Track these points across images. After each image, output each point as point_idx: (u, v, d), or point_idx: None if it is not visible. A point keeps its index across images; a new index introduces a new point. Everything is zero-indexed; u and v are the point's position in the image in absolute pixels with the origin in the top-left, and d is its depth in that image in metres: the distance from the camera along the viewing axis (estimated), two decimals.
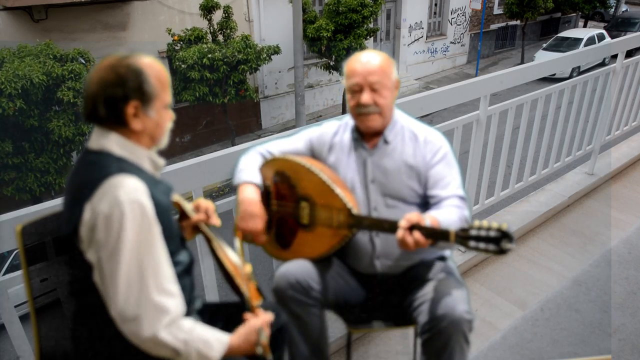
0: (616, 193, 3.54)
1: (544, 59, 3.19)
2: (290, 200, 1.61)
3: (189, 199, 1.54)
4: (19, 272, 1.36)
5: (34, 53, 7.60)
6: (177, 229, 1.31)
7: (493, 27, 18.21)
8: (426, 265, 1.65)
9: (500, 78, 2.59)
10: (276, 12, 11.95)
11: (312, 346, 1.62)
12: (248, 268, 1.40)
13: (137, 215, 1.07)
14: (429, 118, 6.31)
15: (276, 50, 10.28)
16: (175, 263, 1.21)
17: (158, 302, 1.08)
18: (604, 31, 16.91)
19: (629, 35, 3.74)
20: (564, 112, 3.20)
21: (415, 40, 15.85)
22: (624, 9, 22.44)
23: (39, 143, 7.58)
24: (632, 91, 3.75)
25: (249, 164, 1.65)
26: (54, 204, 1.45)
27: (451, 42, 17.13)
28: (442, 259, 1.70)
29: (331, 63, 11.67)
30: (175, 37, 9.86)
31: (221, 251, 1.39)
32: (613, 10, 21.47)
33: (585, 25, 20.26)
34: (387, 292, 1.70)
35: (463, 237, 1.28)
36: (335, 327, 2.12)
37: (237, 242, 1.50)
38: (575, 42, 15.61)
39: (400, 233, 1.35)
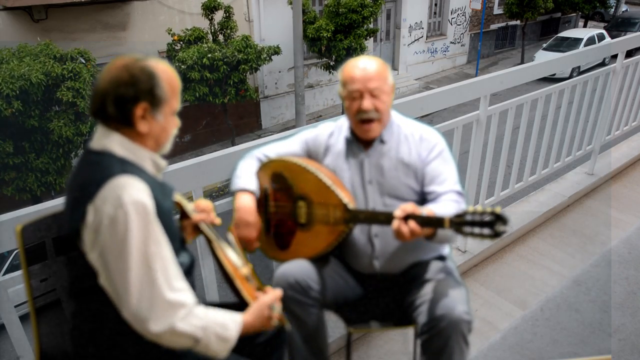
0: (616, 193, 3.54)
1: (544, 59, 3.19)
2: (287, 201, 1.62)
3: (189, 199, 1.54)
4: (19, 272, 1.36)
5: (33, 53, 7.60)
6: (178, 231, 1.31)
7: (493, 27, 18.21)
8: (425, 265, 1.65)
9: (500, 78, 2.59)
10: (276, 12, 11.95)
11: (312, 346, 1.62)
12: (248, 269, 1.40)
13: (142, 216, 1.07)
14: (429, 118, 6.31)
15: (276, 51, 10.29)
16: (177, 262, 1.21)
17: (171, 298, 1.09)
18: (604, 31, 16.92)
19: (629, 35, 3.74)
20: (564, 112, 3.20)
21: (415, 40, 15.85)
22: (624, 9, 22.44)
23: (39, 143, 7.58)
24: (632, 91, 3.75)
25: (245, 170, 1.66)
26: (54, 204, 1.44)
27: (451, 42, 17.13)
28: (442, 258, 1.70)
29: (331, 63, 11.67)
30: (175, 37, 9.86)
31: (221, 252, 1.39)
32: (613, 10, 21.48)
33: (585, 25, 20.26)
34: (386, 292, 1.70)
35: (458, 222, 1.29)
36: (335, 327, 2.12)
37: (231, 236, 1.52)
38: (575, 42, 15.61)
39: (395, 223, 1.35)
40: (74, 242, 1.13)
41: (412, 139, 1.63)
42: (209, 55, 9.19)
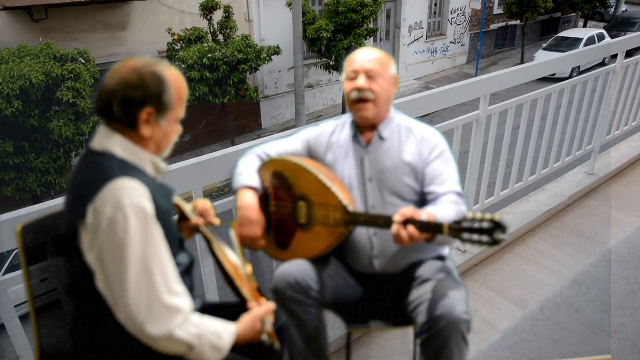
0: (616, 193, 3.54)
1: (544, 59, 3.19)
2: (288, 201, 1.62)
3: (189, 199, 1.54)
4: (19, 272, 1.36)
5: (34, 53, 7.59)
6: (177, 232, 1.31)
7: (493, 27, 18.20)
8: (425, 265, 1.65)
9: (500, 78, 2.59)
10: (276, 12, 11.95)
11: (312, 346, 1.62)
12: (248, 269, 1.40)
13: (141, 220, 1.07)
14: (429, 118, 6.31)
15: (276, 51, 10.29)
16: (175, 265, 1.21)
17: (170, 303, 1.09)
18: (604, 31, 16.91)
19: (629, 35, 3.74)
20: (564, 112, 3.20)
21: (415, 40, 15.85)
22: (624, 9, 22.44)
23: (39, 143, 7.58)
24: (632, 91, 3.75)
25: (247, 168, 1.65)
26: (54, 204, 1.44)
27: (451, 42, 17.13)
28: (441, 258, 1.70)
29: (331, 63, 11.67)
30: (175, 37, 9.86)
31: (221, 252, 1.39)
32: (613, 10, 21.47)
33: (585, 25, 20.25)
34: (386, 291, 1.70)
35: (457, 229, 1.28)
36: (335, 327, 2.12)
37: (233, 235, 1.52)
38: (575, 42, 15.61)
39: (394, 228, 1.35)
40: (74, 241, 1.12)
41: (413, 138, 1.62)
42: (209, 55, 9.18)
